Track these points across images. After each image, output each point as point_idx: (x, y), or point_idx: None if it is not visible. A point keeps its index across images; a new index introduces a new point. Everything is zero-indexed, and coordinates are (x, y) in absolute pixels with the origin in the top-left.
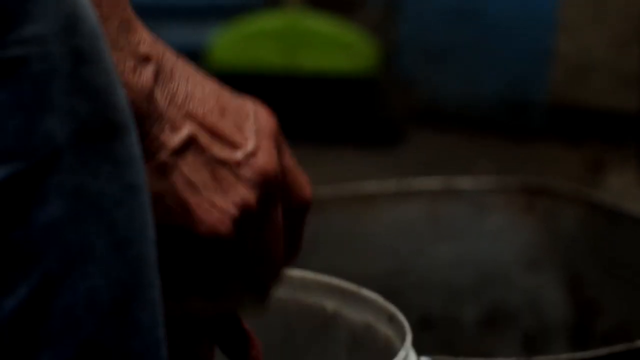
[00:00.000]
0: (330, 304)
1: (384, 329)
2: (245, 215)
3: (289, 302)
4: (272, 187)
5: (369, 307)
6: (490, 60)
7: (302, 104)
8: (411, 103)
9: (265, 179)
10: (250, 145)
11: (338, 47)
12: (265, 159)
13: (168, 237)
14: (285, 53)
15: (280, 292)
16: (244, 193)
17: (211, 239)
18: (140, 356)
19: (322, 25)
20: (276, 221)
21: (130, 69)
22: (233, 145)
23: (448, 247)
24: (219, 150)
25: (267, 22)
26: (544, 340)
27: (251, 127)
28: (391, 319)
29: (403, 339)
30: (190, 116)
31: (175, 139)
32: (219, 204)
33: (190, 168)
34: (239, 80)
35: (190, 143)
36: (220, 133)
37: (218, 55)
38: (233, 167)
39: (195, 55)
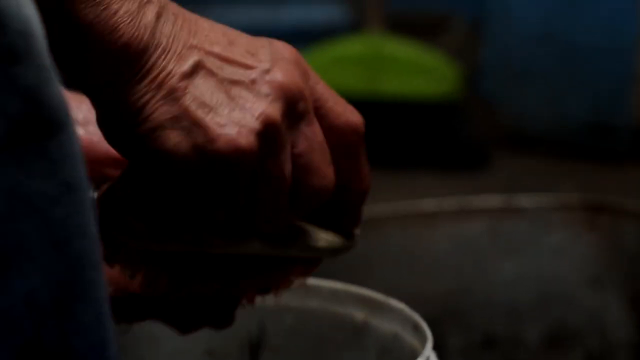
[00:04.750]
0: (359, 314)
1: (410, 338)
2: (271, 129)
3: (319, 312)
4: (298, 103)
5: (396, 317)
6: (575, 83)
7: (384, 128)
8: (495, 126)
9: (286, 94)
10: (264, 65)
11: (420, 71)
12: (283, 74)
13: (192, 162)
14: (367, 78)
15: (311, 302)
16: (265, 107)
17: (233, 154)
18: (84, 357)
19: (404, 49)
20: (315, 138)
21: (133, 9)
22: (245, 67)
23: (509, 265)
24: (231, 72)
25: (349, 47)
26: (608, 359)
27: (267, 51)
28: (416, 328)
29: None
30: (195, 47)
31: (182, 66)
32: (236, 119)
33: (201, 90)
34: None
35: (198, 68)
36: (229, 58)
37: None
38: (248, 85)
39: None
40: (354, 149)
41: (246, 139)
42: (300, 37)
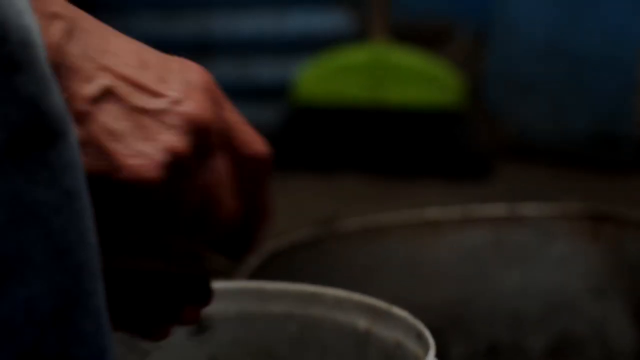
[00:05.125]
0: (362, 322)
1: (413, 347)
2: (177, 162)
3: (323, 320)
4: (207, 136)
5: (399, 325)
6: (578, 93)
7: (388, 137)
8: (498, 136)
9: (195, 126)
10: (174, 95)
11: (424, 80)
12: (193, 106)
13: (97, 188)
14: (371, 86)
15: (315, 310)
16: (173, 139)
17: (137, 185)
18: None
19: (408, 59)
20: (220, 171)
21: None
22: (155, 95)
23: (513, 274)
24: (140, 100)
25: (354, 55)
26: None
27: (177, 79)
28: (419, 336)
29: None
30: (105, 69)
31: (89, 89)
32: (144, 149)
33: (109, 117)
34: (325, 113)
35: (107, 92)
36: (140, 84)
37: (304, 89)
38: (157, 114)
39: (282, 89)
40: (259, 179)
41: (151, 171)
42: (305, 46)
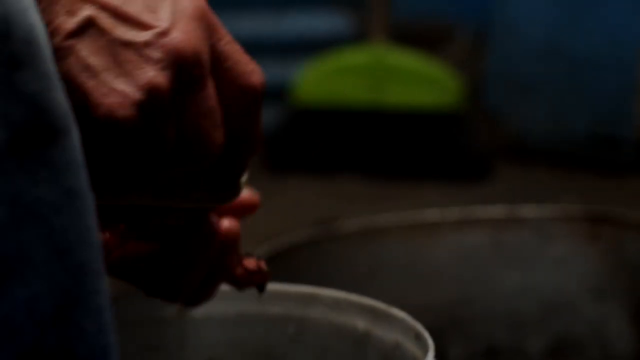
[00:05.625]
0: (361, 323)
1: (412, 348)
2: (155, 99)
3: (322, 321)
4: (193, 68)
5: (398, 326)
6: (578, 95)
7: (387, 139)
8: (498, 138)
9: (179, 59)
10: (162, 25)
11: (424, 82)
12: (180, 37)
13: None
14: (371, 88)
15: (313, 311)
16: (152, 75)
17: (111, 123)
18: None
19: (408, 60)
20: (205, 103)
21: None
22: (141, 27)
23: (512, 276)
24: (123, 32)
25: (353, 57)
26: None
27: (167, 8)
28: (418, 337)
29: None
30: (89, 0)
31: (71, 22)
32: (119, 87)
33: (88, 51)
34: (325, 115)
35: (89, 25)
36: (125, 15)
37: (304, 90)
38: (139, 48)
39: (282, 91)
40: (249, 108)
41: (126, 110)
42: (304, 47)
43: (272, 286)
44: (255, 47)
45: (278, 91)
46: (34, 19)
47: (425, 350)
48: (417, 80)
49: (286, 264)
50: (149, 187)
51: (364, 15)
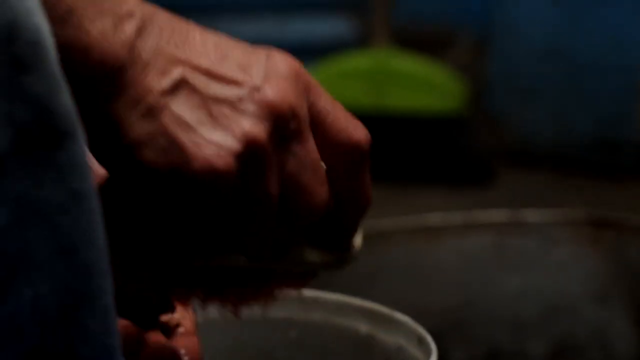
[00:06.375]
0: (364, 327)
1: (414, 352)
2: (254, 149)
3: (324, 325)
4: (289, 121)
5: (400, 330)
6: (580, 99)
7: (390, 143)
8: (500, 142)
9: (275, 112)
10: (254, 82)
11: (426, 86)
12: (274, 92)
13: (169, 183)
14: (373, 92)
15: (316, 315)
16: (249, 127)
17: (209, 176)
18: None
19: (410, 64)
20: (306, 157)
21: (110, 26)
22: (234, 83)
23: (514, 280)
24: (216, 89)
25: (356, 61)
26: None
27: (261, 67)
28: (420, 341)
29: None
30: (180, 61)
31: (164, 82)
32: (215, 139)
33: (182, 108)
34: None
35: (181, 84)
36: (217, 74)
37: None
38: (234, 103)
39: None
40: (355, 166)
41: (224, 161)
42: (307, 52)
43: None
44: None
45: None
46: (40, 21)
47: (428, 354)
48: (419, 84)
49: None
50: (247, 246)
51: (367, 20)
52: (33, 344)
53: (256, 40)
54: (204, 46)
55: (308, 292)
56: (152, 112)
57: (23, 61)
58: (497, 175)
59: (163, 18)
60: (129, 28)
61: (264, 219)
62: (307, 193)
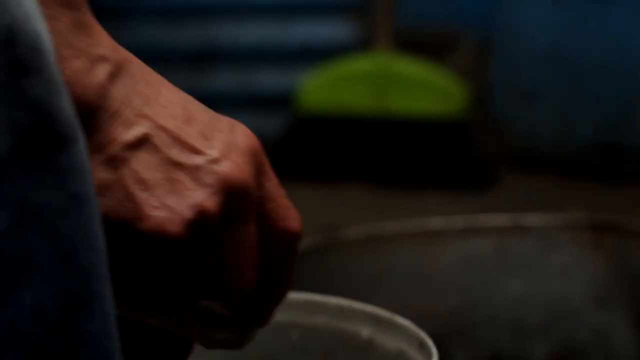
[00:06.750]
0: (365, 331)
1: (416, 356)
2: (203, 222)
3: (326, 329)
4: (240, 199)
5: (402, 334)
6: (582, 102)
7: (393, 147)
8: (503, 145)
9: (229, 188)
10: (214, 153)
11: (429, 90)
12: (231, 167)
13: (116, 233)
14: (375, 96)
15: (317, 319)
16: (202, 198)
17: (158, 238)
18: None
19: (412, 68)
20: (245, 239)
21: (82, 68)
22: (194, 151)
23: (516, 283)
24: (177, 153)
25: (358, 65)
26: None
27: (221, 138)
28: (422, 345)
29: None
30: (147, 117)
31: (127, 135)
32: (170, 203)
33: (142, 165)
34: (329, 122)
35: (144, 141)
36: (180, 138)
37: (308, 99)
38: (192, 171)
39: (286, 98)
40: (284, 254)
41: (174, 227)
42: (309, 55)
43: None
44: (259, 55)
45: (282, 99)
46: (39, 26)
47: (429, 358)
48: (421, 88)
49: None
50: (175, 310)
51: (369, 23)
52: (34, 347)
53: (258, 43)
54: (171, 105)
55: (310, 296)
56: (113, 163)
57: (23, 65)
58: (499, 178)
59: (136, 67)
60: (102, 72)
61: (196, 286)
62: (238, 274)
